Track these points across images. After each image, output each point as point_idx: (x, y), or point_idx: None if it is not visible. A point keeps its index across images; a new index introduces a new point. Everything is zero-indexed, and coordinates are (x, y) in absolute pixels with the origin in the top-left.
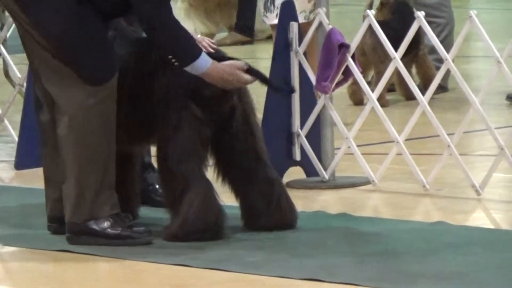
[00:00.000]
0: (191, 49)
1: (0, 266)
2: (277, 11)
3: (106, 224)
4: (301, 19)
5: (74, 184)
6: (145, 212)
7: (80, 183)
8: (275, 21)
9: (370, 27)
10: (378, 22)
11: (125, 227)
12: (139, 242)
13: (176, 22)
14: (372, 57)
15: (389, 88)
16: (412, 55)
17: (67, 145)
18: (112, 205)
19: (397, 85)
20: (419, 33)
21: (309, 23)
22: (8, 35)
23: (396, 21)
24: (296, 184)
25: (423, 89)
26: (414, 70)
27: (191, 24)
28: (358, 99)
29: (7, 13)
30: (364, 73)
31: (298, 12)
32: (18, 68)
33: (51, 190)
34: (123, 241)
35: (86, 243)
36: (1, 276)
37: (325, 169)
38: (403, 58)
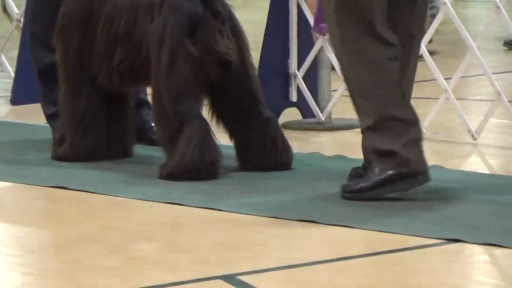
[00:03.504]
0: None
1: None
2: None
3: None
4: None
5: None
6: (141, 150)
7: None
8: None
9: None
10: None
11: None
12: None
13: None
14: None
15: None
16: None
17: None
18: None
19: None
20: None
21: None
22: None
23: None
24: (292, 125)
25: None
26: None
27: None
28: None
29: None
30: None
31: None
32: (16, 3)
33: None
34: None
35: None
36: None
37: (322, 111)
38: None
